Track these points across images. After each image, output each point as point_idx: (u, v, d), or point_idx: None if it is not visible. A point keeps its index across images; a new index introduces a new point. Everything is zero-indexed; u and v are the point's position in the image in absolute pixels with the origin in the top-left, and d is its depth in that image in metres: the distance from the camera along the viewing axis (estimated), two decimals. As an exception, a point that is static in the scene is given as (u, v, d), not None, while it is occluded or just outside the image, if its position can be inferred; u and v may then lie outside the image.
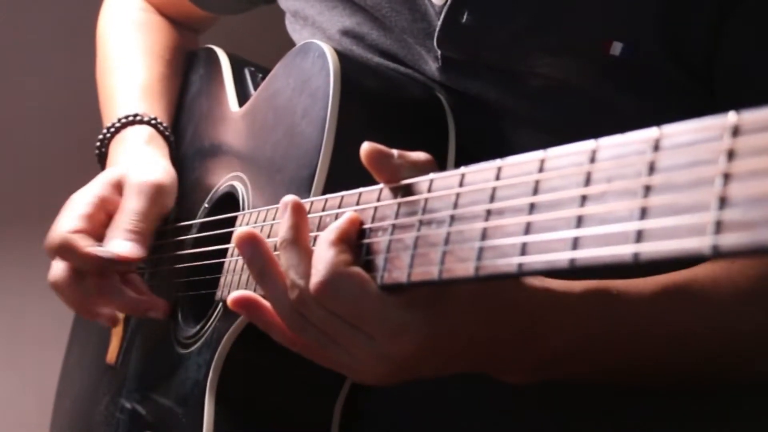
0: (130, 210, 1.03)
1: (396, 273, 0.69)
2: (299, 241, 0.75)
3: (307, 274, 0.73)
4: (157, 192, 1.05)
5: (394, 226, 0.70)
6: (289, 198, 0.76)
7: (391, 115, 0.94)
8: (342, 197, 0.78)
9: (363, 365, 0.74)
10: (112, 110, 1.20)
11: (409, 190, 0.70)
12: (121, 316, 1.15)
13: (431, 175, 0.69)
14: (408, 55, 0.97)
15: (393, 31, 0.98)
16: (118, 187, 1.06)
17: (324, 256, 0.71)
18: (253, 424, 0.94)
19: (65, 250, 1.02)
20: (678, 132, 0.50)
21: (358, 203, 0.76)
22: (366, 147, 0.72)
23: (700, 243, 0.46)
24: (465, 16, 0.91)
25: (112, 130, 1.16)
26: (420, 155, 0.73)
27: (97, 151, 1.17)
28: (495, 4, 0.91)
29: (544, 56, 0.90)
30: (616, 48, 0.87)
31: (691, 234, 0.47)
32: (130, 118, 1.15)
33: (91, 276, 1.04)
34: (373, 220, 0.73)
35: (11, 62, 1.78)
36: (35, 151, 1.82)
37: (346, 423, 0.92)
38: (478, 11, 0.91)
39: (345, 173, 0.84)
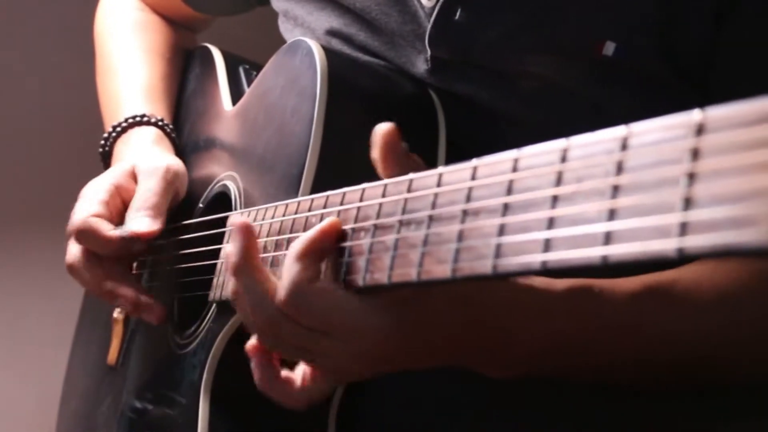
0: (143, 189, 1.04)
1: (377, 274, 0.68)
2: (250, 264, 0.75)
3: (265, 294, 0.73)
4: (167, 172, 1.06)
5: (375, 227, 0.70)
6: (238, 220, 0.76)
7: (381, 112, 0.92)
8: (327, 197, 0.77)
9: (339, 366, 0.75)
10: (116, 110, 1.20)
11: (389, 190, 0.70)
12: (120, 316, 1.16)
13: (411, 175, 0.68)
14: (397, 56, 0.96)
15: (382, 33, 0.97)
16: (133, 176, 1.07)
17: (289, 271, 0.72)
18: (248, 424, 0.93)
19: (86, 234, 1.02)
20: (645, 130, 0.49)
21: (342, 203, 0.75)
22: (387, 125, 0.72)
23: (665, 245, 0.46)
24: (458, 14, 0.91)
25: (118, 129, 1.16)
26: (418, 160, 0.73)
27: (101, 150, 1.17)
28: (489, 1, 0.90)
29: (536, 55, 0.89)
30: (609, 48, 0.86)
31: (656, 236, 0.46)
32: (137, 119, 1.15)
33: (109, 259, 1.04)
34: (356, 220, 0.72)
35: (10, 62, 1.79)
36: (35, 151, 1.82)
37: (343, 424, 0.92)
38: (472, 8, 0.90)
39: (333, 171, 0.85)
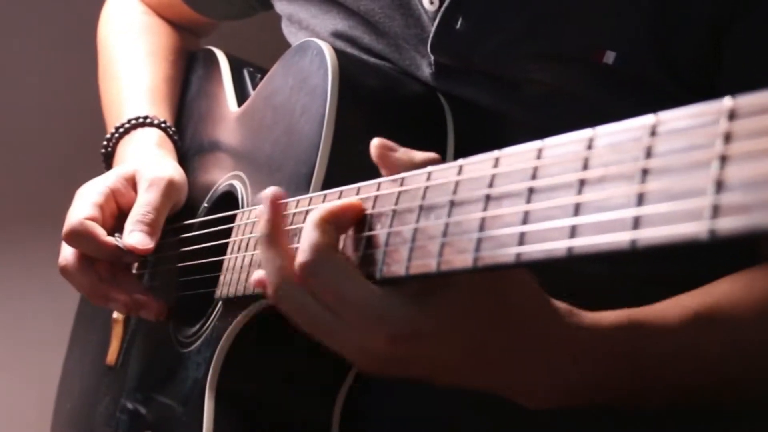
0: (144, 202, 1.04)
1: (395, 267, 0.68)
2: (276, 236, 0.73)
3: (283, 269, 0.71)
4: (168, 186, 1.06)
5: (392, 219, 0.70)
6: (269, 191, 0.74)
7: (390, 113, 0.93)
8: (341, 192, 0.77)
9: (347, 354, 0.73)
10: (120, 111, 1.20)
11: (407, 182, 0.70)
12: (120, 317, 1.16)
13: (429, 168, 0.69)
14: (401, 59, 0.97)
15: (387, 36, 0.97)
16: (131, 181, 1.07)
17: (309, 236, 0.70)
18: (253, 422, 0.93)
19: (81, 237, 1.02)
20: (674, 117, 0.50)
21: (357, 195, 0.75)
22: (376, 142, 0.72)
23: (697, 228, 0.46)
24: (459, 22, 0.91)
25: (121, 130, 1.16)
26: (427, 154, 0.72)
27: (103, 150, 1.17)
28: (490, 11, 0.91)
29: (538, 62, 0.90)
30: (609, 57, 0.87)
31: (687, 219, 0.47)
32: (141, 120, 1.16)
33: (102, 263, 1.04)
34: (372, 213, 0.72)
35: (11, 61, 1.78)
36: (36, 151, 1.81)
37: (346, 423, 0.92)
38: (473, 17, 0.91)
39: (343, 170, 0.84)
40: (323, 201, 0.79)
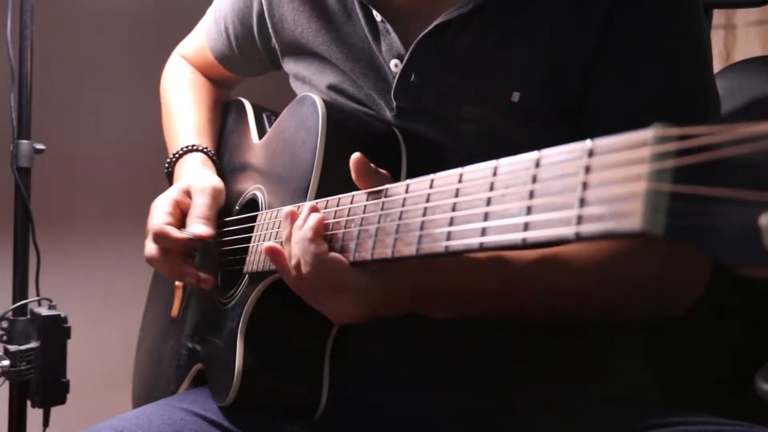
0: (199, 204, 1.02)
1: (363, 253, 0.68)
2: (317, 235, 0.74)
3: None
4: (214, 191, 1.04)
5: (362, 221, 0.69)
6: (287, 210, 0.77)
7: (362, 143, 0.91)
8: (327, 201, 0.76)
9: (340, 310, 0.74)
10: (176, 142, 1.18)
11: (371, 196, 0.69)
12: (180, 285, 1.14)
13: (387, 186, 0.67)
14: (373, 104, 0.95)
15: (363, 88, 0.95)
16: (187, 193, 1.05)
17: (308, 250, 0.72)
18: (269, 356, 0.92)
19: (161, 237, 1.00)
20: (552, 153, 0.49)
21: (338, 205, 0.74)
22: (356, 155, 0.72)
23: (568, 231, 0.45)
24: (413, 77, 0.90)
25: (177, 155, 1.14)
26: (383, 172, 0.72)
27: (165, 170, 1.15)
28: (433, 69, 0.89)
29: (466, 104, 0.88)
30: (516, 97, 0.85)
31: (561, 225, 0.46)
32: (189, 147, 1.14)
33: (176, 253, 1.02)
34: (349, 216, 0.71)
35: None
36: (127, 170, 1.80)
37: (335, 358, 0.90)
38: (422, 74, 0.90)
39: (330, 184, 0.83)
40: (317, 207, 0.78)
